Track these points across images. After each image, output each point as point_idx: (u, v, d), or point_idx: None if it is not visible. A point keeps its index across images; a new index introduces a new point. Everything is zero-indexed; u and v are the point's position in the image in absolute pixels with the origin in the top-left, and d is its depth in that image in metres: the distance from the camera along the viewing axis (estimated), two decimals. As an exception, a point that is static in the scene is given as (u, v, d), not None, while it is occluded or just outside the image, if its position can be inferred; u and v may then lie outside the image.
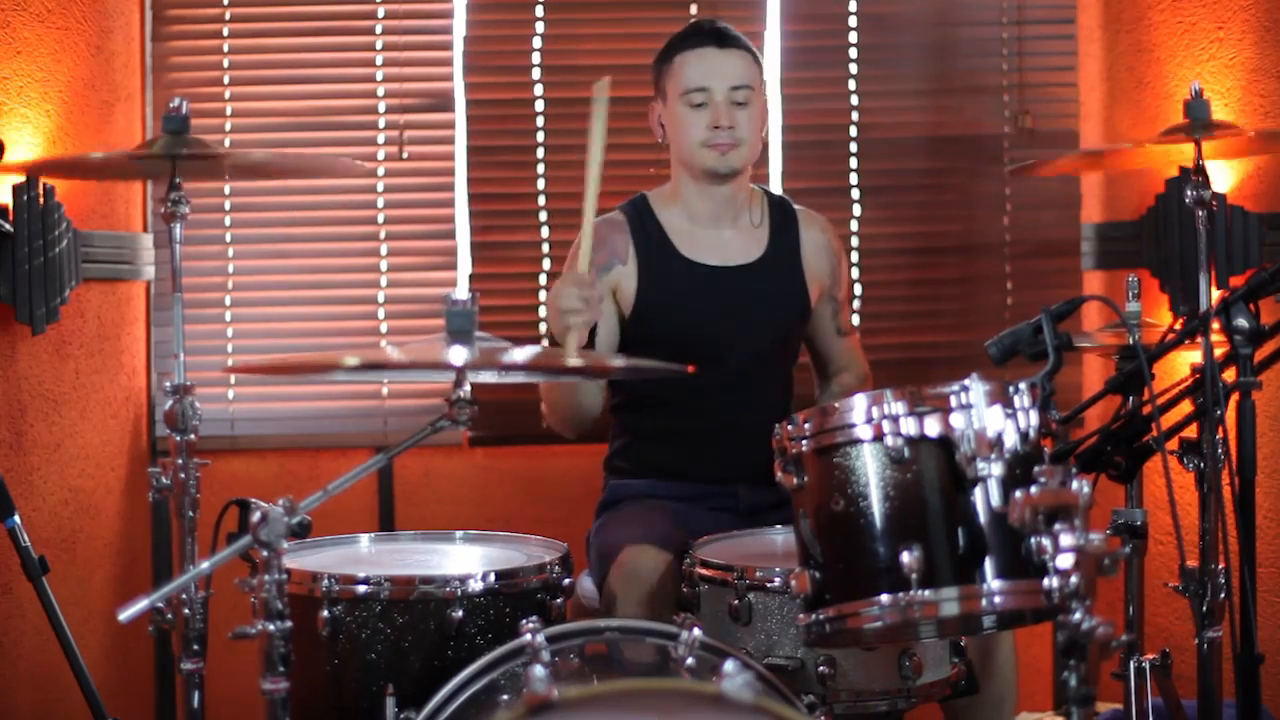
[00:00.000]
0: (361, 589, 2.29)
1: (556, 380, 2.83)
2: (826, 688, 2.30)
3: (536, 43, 3.82)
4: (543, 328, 3.80)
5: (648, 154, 3.05)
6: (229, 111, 3.78)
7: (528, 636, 2.09)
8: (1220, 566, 2.37)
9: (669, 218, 2.97)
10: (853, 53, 3.86)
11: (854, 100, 3.86)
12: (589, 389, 2.86)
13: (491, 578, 2.32)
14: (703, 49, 2.88)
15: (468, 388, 1.97)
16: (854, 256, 3.83)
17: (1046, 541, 1.71)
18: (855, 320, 3.77)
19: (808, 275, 3.00)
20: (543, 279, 3.80)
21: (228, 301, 3.77)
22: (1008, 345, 2.13)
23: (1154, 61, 3.62)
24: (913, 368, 3.78)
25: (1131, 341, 2.36)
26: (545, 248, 3.81)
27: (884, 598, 1.98)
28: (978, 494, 1.97)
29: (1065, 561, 1.68)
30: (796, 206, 3.05)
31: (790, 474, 2.08)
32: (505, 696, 2.07)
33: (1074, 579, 1.67)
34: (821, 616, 2.04)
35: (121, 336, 3.63)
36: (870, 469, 2.01)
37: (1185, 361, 2.51)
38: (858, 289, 3.82)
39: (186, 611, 2.35)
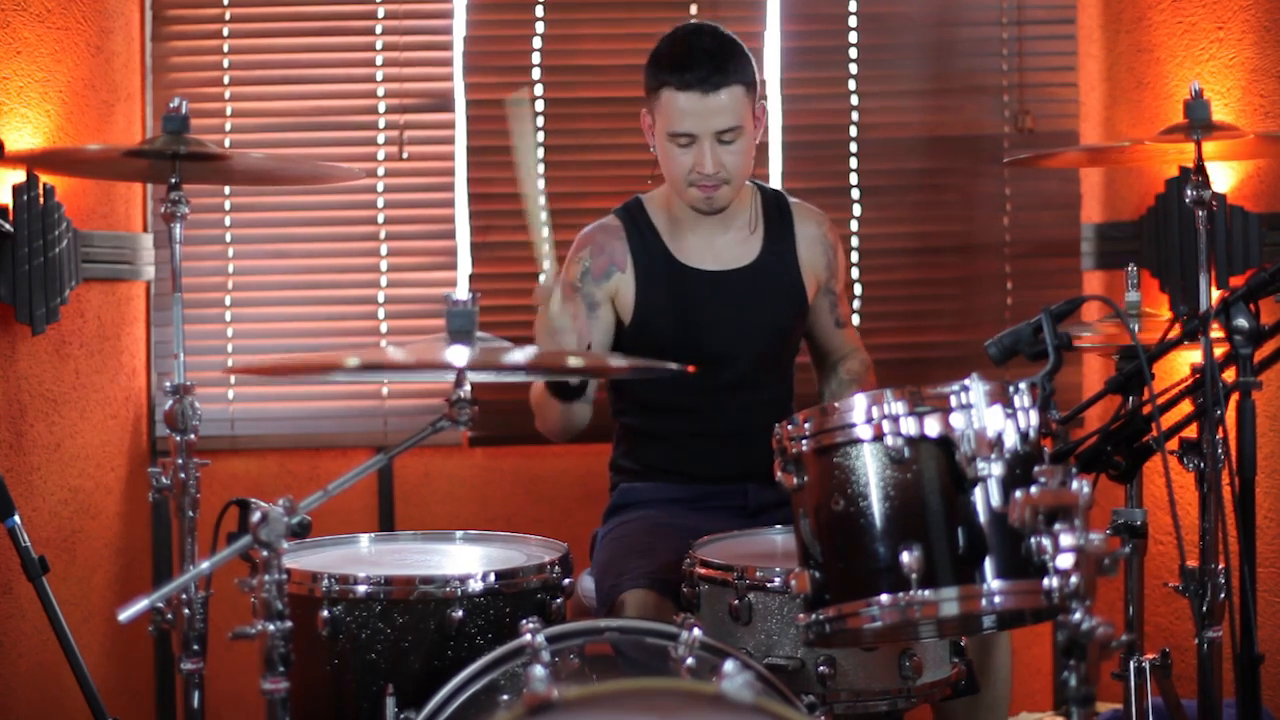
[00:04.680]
0: (361, 589, 2.29)
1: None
2: (826, 688, 2.30)
3: (536, 43, 3.82)
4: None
5: (646, 154, 3.04)
6: (229, 112, 3.79)
7: (528, 636, 2.09)
8: (1220, 566, 2.37)
9: (664, 222, 2.96)
10: (853, 53, 3.86)
11: (854, 100, 3.86)
12: (580, 406, 2.84)
13: (491, 578, 2.32)
14: (689, 93, 2.76)
15: (468, 388, 1.97)
16: (854, 256, 3.83)
17: (1046, 541, 1.71)
18: (855, 316, 3.78)
19: (804, 272, 2.99)
20: (543, 279, 3.79)
21: (228, 302, 3.77)
22: (1008, 345, 2.13)
23: (1154, 61, 3.62)
24: (913, 368, 3.78)
25: (1131, 339, 2.36)
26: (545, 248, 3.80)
27: (884, 597, 1.98)
28: (978, 494, 1.97)
29: (1065, 561, 1.68)
30: (793, 201, 3.04)
31: (790, 474, 2.08)
32: (505, 696, 2.07)
33: (1074, 579, 1.67)
34: (821, 616, 2.04)
35: (121, 336, 3.63)
36: (870, 469, 2.01)
37: (1185, 361, 2.51)
38: (857, 289, 3.82)
39: (186, 611, 2.35)
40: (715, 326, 2.92)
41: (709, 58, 2.79)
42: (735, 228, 2.97)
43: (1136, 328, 2.55)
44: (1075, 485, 1.70)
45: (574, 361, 2.26)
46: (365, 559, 2.50)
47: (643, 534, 2.79)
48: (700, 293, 2.93)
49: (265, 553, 1.85)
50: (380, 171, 3.80)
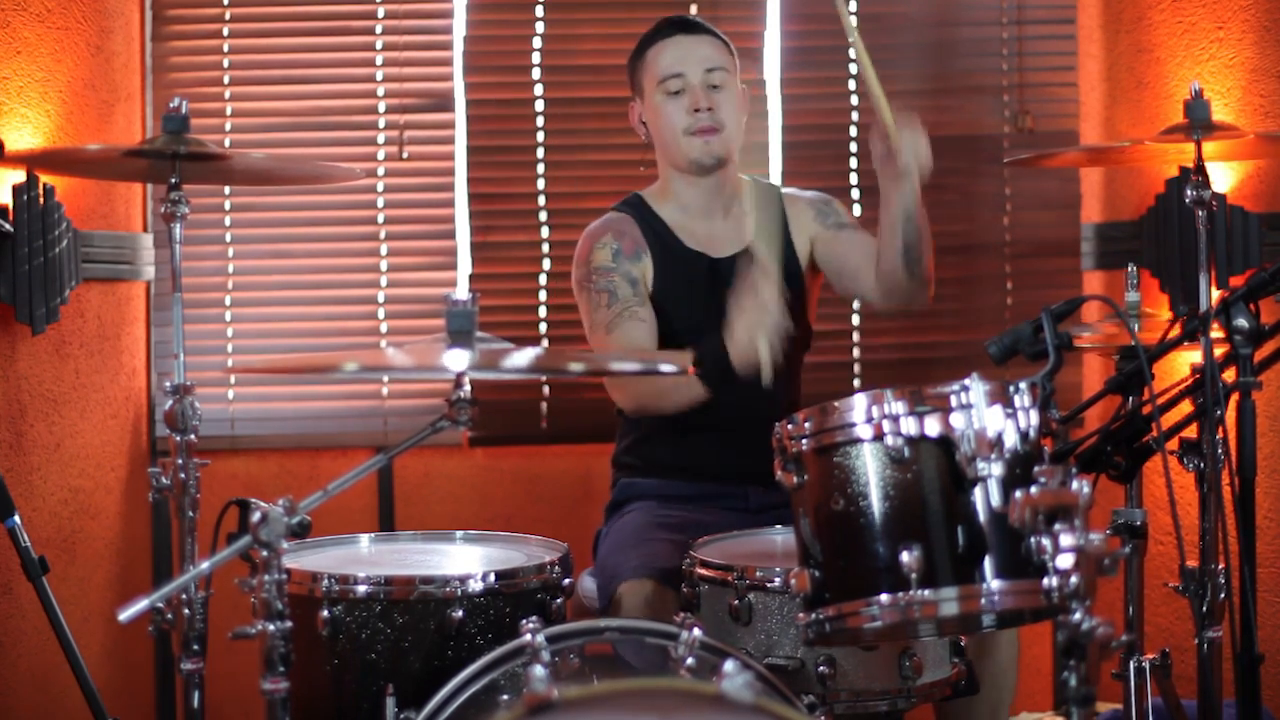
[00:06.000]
0: (361, 589, 2.29)
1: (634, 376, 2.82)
2: (826, 688, 2.30)
3: (536, 43, 3.82)
4: (542, 327, 3.80)
5: (637, 154, 3.05)
6: (229, 111, 3.79)
7: (528, 636, 2.09)
8: (1220, 566, 2.37)
9: (666, 212, 2.98)
10: (853, 53, 3.85)
11: (854, 100, 3.86)
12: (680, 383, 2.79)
13: (491, 578, 2.32)
14: (672, 38, 2.92)
15: (468, 388, 1.97)
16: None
17: (1046, 541, 1.71)
18: (854, 317, 3.78)
19: (800, 252, 2.99)
20: (543, 279, 3.80)
21: (228, 301, 3.77)
22: (1008, 345, 2.13)
23: (1154, 61, 3.62)
24: (913, 368, 3.78)
25: (1131, 339, 2.36)
26: (545, 248, 3.81)
27: (884, 597, 1.98)
28: (978, 494, 1.97)
29: (1065, 561, 1.68)
30: (785, 190, 3.07)
31: (790, 473, 2.08)
32: (505, 696, 2.07)
33: (1074, 579, 1.67)
34: (821, 616, 2.04)
35: (121, 336, 3.63)
36: (870, 468, 2.01)
37: (1185, 361, 2.51)
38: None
39: (186, 611, 2.35)
40: (719, 313, 2.91)
41: (684, 18, 3.01)
42: (732, 213, 2.99)
43: (1137, 328, 2.55)
44: (1075, 485, 1.70)
45: (575, 366, 2.26)
46: (365, 559, 2.50)
47: (641, 528, 2.79)
48: (707, 279, 2.93)
49: (265, 553, 1.85)
50: (380, 171, 3.80)
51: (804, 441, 2.07)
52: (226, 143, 3.77)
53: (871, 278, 2.92)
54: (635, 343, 2.82)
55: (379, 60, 3.81)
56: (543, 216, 3.81)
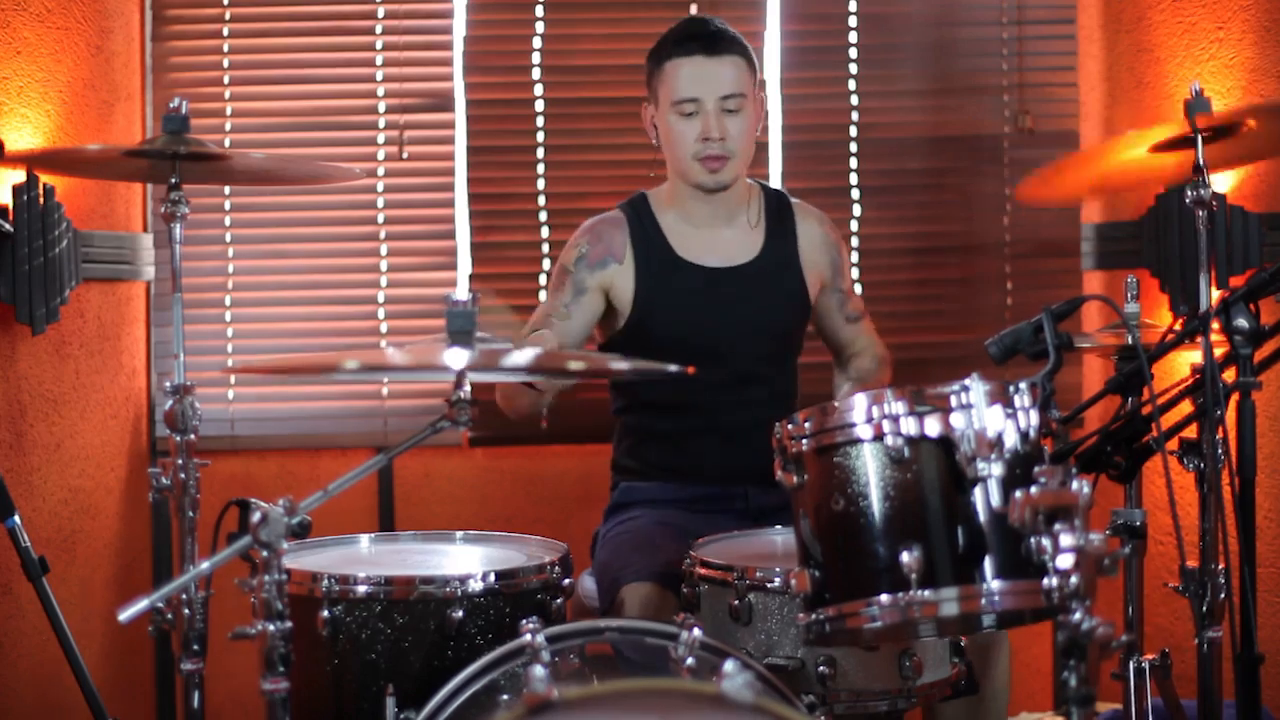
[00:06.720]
0: (361, 589, 2.29)
1: (548, 381, 2.82)
2: (826, 688, 2.30)
3: (536, 43, 3.83)
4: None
5: (645, 154, 3.05)
6: (229, 111, 3.79)
7: (528, 636, 2.09)
8: (1220, 566, 2.37)
9: (667, 218, 2.97)
10: (853, 53, 3.86)
11: (854, 100, 3.86)
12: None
13: (491, 578, 2.32)
14: (693, 57, 2.85)
15: (468, 388, 1.97)
16: (854, 256, 3.83)
17: (1046, 541, 1.71)
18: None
19: (806, 271, 2.99)
20: (542, 279, 3.80)
21: (228, 302, 3.78)
22: (1008, 345, 2.13)
23: (1154, 61, 3.62)
24: (913, 368, 3.77)
25: (1131, 341, 2.36)
26: (545, 248, 3.81)
27: (884, 597, 1.98)
28: (978, 494, 1.97)
29: (1065, 561, 1.68)
30: (794, 200, 3.05)
31: (790, 473, 2.08)
32: (505, 696, 2.07)
33: (1074, 579, 1.67)
34: (821, 616, 2.04)
35: (121, 336, 3.63)
36: (870, 469, 2.01)
37: (1185, 361, 2.51)
38: (858, 289, 3.82)
39: (186, 611, 2.35)
40: (716, 323, 2.92)
41: (710, 28, 2.91)
42: (738, 224, 2.98)
43: (1137, 329, 2.55)
44: (1075, 485, 1.70)
45: (576, 365, 2.26)
46: (365, 559, 2.50)
47: (643, 532, 2.79)
48: (700, 289, 2.93)
49: (265, 553, 1.85)
50: (380, 171, 3.80)
51: (804, 441, 2.07)
52: (226, 143, 3.77)
53: (839, 364, 3.14)
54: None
55: (379, 60, 3.81)
56: (543, 216, 3.81)
